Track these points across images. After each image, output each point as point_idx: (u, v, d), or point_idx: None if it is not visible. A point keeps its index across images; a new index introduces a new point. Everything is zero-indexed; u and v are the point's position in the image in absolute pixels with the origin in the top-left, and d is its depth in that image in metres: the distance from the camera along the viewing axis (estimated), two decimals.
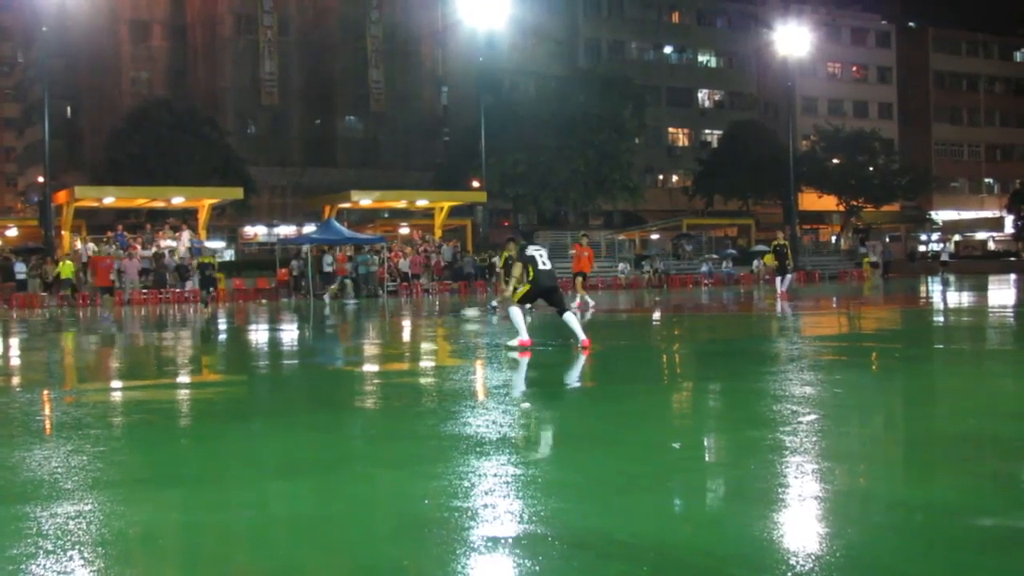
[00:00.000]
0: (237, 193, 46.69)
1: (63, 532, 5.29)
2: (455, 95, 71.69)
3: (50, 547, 5.03)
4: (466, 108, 60.97)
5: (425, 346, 18.98)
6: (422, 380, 12.98)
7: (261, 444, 8.03)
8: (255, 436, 8.43)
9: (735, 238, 71.78)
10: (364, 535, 5.25)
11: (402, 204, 54.65)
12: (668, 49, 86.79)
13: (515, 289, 14.82)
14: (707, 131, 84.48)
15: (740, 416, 8.79)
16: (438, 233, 51.45)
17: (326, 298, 37.77)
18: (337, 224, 45.30)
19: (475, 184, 55.33)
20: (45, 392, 12.02)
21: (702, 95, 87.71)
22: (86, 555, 4.93)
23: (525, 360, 13.68)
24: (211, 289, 35.02)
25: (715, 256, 56.80)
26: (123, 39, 69.75)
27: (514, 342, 14.83)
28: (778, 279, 32.44)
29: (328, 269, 40.74)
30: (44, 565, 4.75)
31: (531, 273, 14.64)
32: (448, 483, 6.30)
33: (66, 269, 37.04)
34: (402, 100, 73.39)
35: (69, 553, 4.92)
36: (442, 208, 52.21)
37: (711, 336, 20.25)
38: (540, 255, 14.79)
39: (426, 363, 15.10)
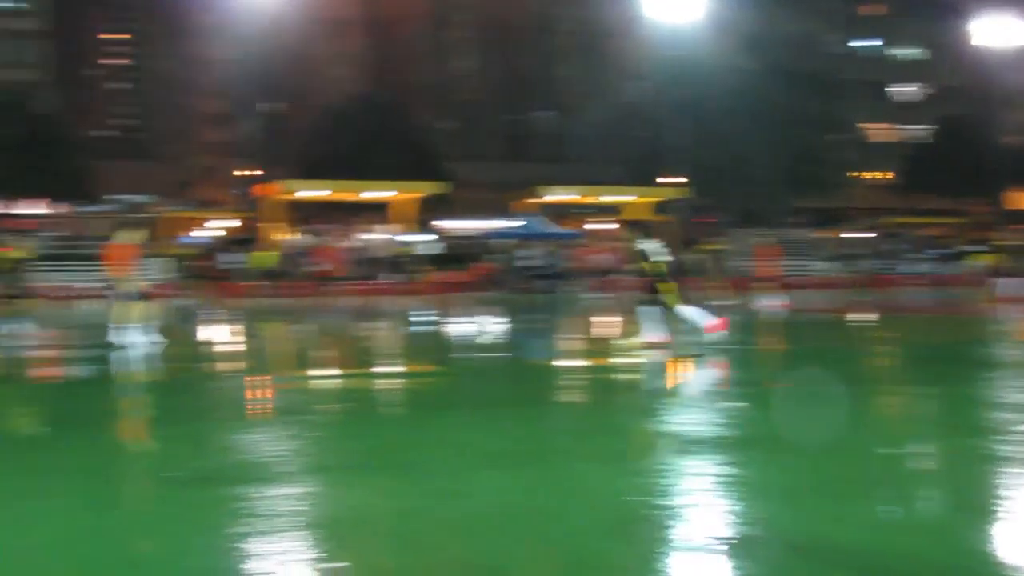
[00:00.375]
0: (442, 187, 47.50)
1: (278, 513, 5.48)
2: (647, 89, 71.25)
3: (264, 528, 5.22)
4: (658, 103, 60.41)
5: (625, 342, 18.92)
6: (623, 376, 12.94)
7: (469, 434, 8.10)
8: (463, 426, 8.51)
9: (943, 237, 69.11)
10: (570, 529, 5.24)
11: (599, 199, 54.63)
12: (864, 42, 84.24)
13: (660, 294, 14.18)
14: (908, 126, 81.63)
15: (955, 423, 8.44)
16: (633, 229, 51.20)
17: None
18: (537, 219, 45.60)
19: (666, 179, 54.86)
20: (258, 378, 12.45)
21: (902, 89, 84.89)
22: (299, 536, 5.09)
23: (721, 345, 13.52)
24: (408, 280, 35.69)
25: (922, 255, 54.88)
26: (323, 37, 71.74)
27: (707, 333, 14.29)
28: (996, 280, 30.99)
29: (531, 263, 40.98)
30: (258, 544, 4.94)
31: (662, 267, 14.26)
32: (653, 480, 6.27)
33: (264, 259, 38.34)
34: (594, 95, 73.33)
35: (282, 534, 5.09)
36: (637, 203, 51.97)
37: (920, 339, 19.47)
38: (656, 248, 14.47)
39: (627, 359, 15.02)
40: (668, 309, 14.19)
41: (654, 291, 14.13)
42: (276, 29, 64.39)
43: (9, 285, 18.40)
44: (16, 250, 18.93)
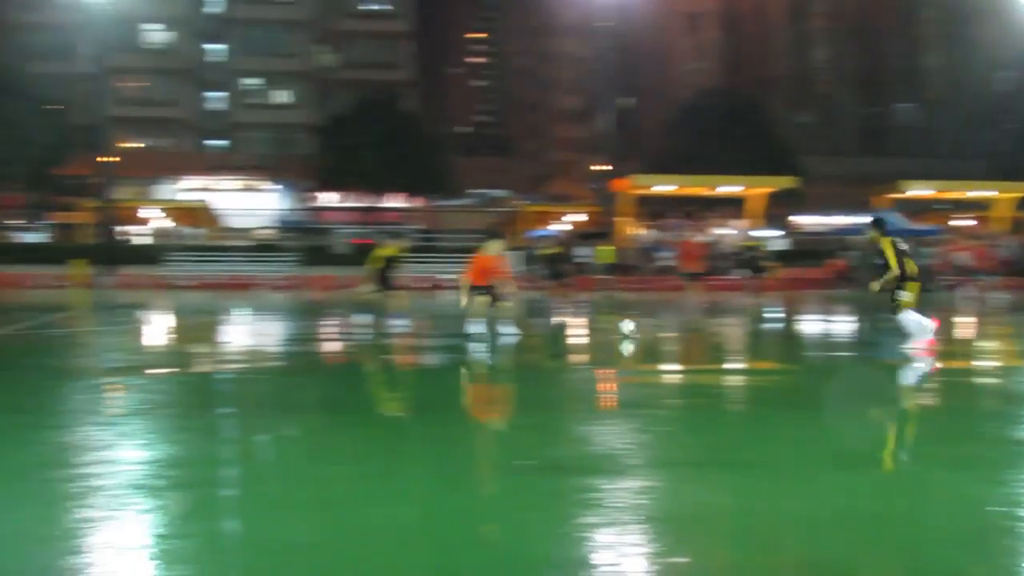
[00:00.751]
0: (793, 182, 46.59)
1: (622, 506, 5.57)
2: (1017, 79, 67.26)
3: (609, 519, 5.32)
4: None
5: (990, 344, 17.96)
6: (984, 380, 12.30)
7: (815, 434, 7.92)
8: (809, 425, 8.31)
9: None
10: (922, 535, 5.08)
11: (961, 195, 52.09)
12: None
13: (899, 291, 13.72)
14: None
15: None
16: (1001, 225, 48.52)
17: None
18: (895, 215, 44.01)
19: None
20: (606, 371, 12.64)
21: None
22: (642, 530, 5.15)
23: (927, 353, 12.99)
24: (759, 277, 35.20)
25: None
26: (677, 31, 72.00)
27: (917, 344, 13.85)
28: None
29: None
30: (603, 535, 5.05)
31: (911, 267, 13.67)
32: (1015, 490, 5.95)
33: (607, 254, 38.96)
34: (958, 86, 70.07)
35: (625, 526, 5.18)
36: (1000, 199, 49.22)
37: None
38: (905, 246, 13.93)
39: (990, 362, 14.25)
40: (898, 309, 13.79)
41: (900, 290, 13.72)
42: (631, 24, 65.12)
43: (384, 280, 19.51)
44: (391, 248, 20.05)
